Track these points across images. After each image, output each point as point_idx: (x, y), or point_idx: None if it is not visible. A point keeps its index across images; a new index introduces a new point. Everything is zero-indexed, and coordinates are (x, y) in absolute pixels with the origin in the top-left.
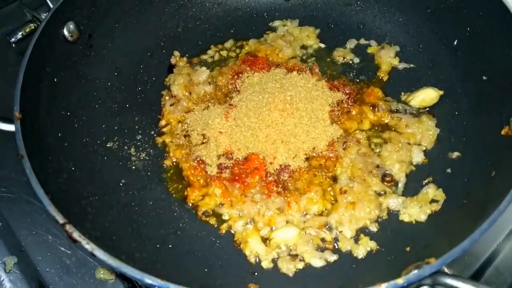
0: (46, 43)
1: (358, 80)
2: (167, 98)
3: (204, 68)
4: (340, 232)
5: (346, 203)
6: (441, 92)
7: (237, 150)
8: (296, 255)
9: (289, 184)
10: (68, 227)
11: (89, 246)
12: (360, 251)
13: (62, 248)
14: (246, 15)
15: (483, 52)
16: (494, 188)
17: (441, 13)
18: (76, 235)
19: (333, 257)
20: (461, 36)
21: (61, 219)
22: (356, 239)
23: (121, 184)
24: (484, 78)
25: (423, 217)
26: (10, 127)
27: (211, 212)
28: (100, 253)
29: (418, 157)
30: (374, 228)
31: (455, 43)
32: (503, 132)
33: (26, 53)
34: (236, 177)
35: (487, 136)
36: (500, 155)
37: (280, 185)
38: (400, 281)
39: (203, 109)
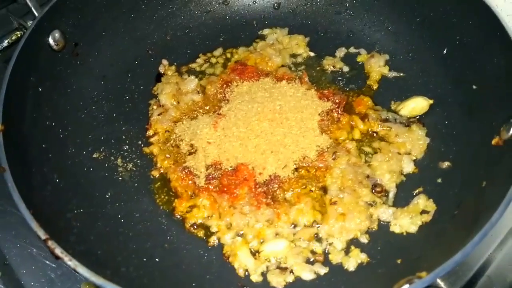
0: (31, 52)
1: (347, 89)
2: (155, 107)
3: (192, 77)
4: (331, 244)
5: (336, 214)
6: (431, 101)
7: (226, 160)
8: (286, 268)
9: (279, 195)
10: (51, 243)
11: (71, 262)
12: (351, 264)
13: (47, 262)
14: (235, 23)
15: (473, 61)
16: (485, 199)
17: (431, 22)
18: (58, 251)
19: (323, 270)
20: (451, 44)
21: (43, 235)
22: (347, 251)
23: (107, 196)
24: (474, 87)
25: (414, 228)
26: None
27: (199, 224)
28: (83, 270)
29: (409, 167)
30: (364, 239)
31: (445, 51)
32: (493, 142)
33: (10, 62)
34: (225, 188)
35: (478, 146)
36: (490, 165)
37: (270, 197)
38: None
39: (191, 118)
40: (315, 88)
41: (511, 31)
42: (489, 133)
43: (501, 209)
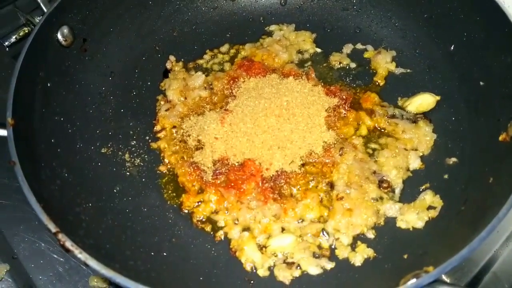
0: (40, 47)
1: (354, 85)
2: (162, 103)
3: (199, 73)
4: (337, 239)
5: (343, 210)
6: (438, 98)
7: (233, 156)
8: (293, 263)
9: (285, 191)
10: (61, 236)
11: (82, 255)
12: (357, 259)
13: (55, 256)
14: (242, 19)
15: (480, 58)
16: (492, 194)
17: (438, 18)
18: (68, 244)
19: (330, 265)
20: (458, 41)
21: (53, 228)
22: (353, 246)
23: (115, 190)
24: (481, 83)
25: (420, 224)
26: (2, 132)
27: (207, 219)
28: (93, 263)
29: (415, 163)
30: (371, 235)
31: (452, 48)
32: (500, 138)
33: (19, 58)
34: (232, 184)
35: (485, 142)
36: (497, 161)
37: (276, 192)
38: None
39: (198, 114)
40: (322, 84)
41: None
42: (496, 129)
43: (509, 204)
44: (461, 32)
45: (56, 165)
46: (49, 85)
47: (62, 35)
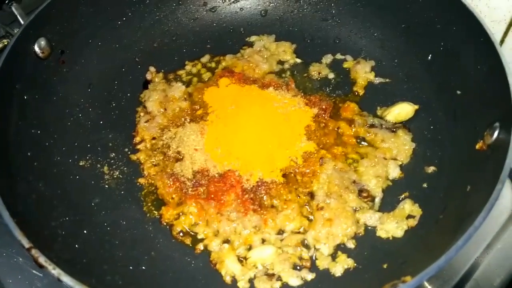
0: (16, 60)
1: (334, 95)
2: (142, 114)
3: (179, 84)
4: (317, 249)
5: (323, 220)
6: (417, 107)
7: (212, 167)
8: (273, 275)
9: (266, 202)
10: (34, 252)
11: (55, 271)
12: (338, 269)
13: (34, 271)
14: (223, 30)
15: (456, 67)
16: (470, 203)
17: (415, 28)
18: (42, 260)
19: (310, 276)
20: (435, 50)
21: (26, 244)
22: (334, 257)
23: (93, 203)
24: (459, 92)
25: (399, 233)
26: None
27: (187, 232)
28: (67, 279)
29: (395, 172)
30: (351, 244)
31: (430, 57)
32: (477, 147)
33: None
34: (212, 195)
35: (462, 150)
36: (474, 169)
37: (257, 203)
38: None
39: (178, 125)
40: (302, 94)
41: (494, 37)
42: (473, 137)
43: (484, 213)
44: (438, 42)
45: (32, 179)
46: (25, 97)
47: (39, 47)
